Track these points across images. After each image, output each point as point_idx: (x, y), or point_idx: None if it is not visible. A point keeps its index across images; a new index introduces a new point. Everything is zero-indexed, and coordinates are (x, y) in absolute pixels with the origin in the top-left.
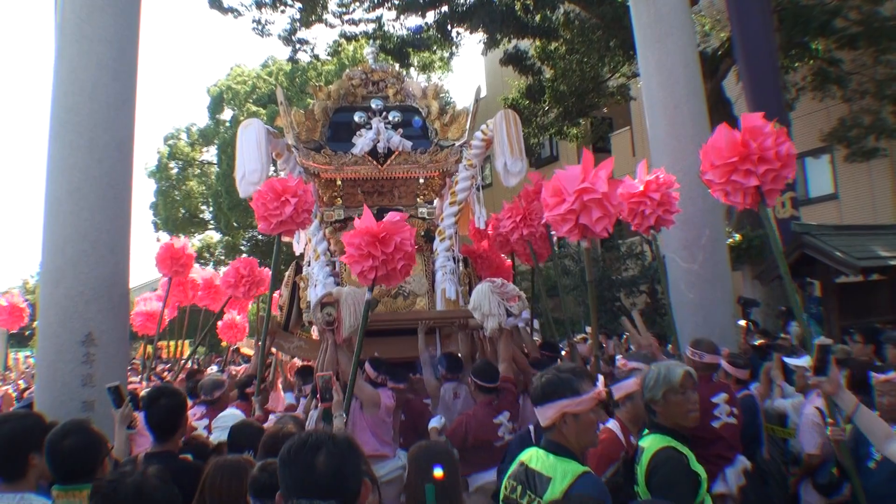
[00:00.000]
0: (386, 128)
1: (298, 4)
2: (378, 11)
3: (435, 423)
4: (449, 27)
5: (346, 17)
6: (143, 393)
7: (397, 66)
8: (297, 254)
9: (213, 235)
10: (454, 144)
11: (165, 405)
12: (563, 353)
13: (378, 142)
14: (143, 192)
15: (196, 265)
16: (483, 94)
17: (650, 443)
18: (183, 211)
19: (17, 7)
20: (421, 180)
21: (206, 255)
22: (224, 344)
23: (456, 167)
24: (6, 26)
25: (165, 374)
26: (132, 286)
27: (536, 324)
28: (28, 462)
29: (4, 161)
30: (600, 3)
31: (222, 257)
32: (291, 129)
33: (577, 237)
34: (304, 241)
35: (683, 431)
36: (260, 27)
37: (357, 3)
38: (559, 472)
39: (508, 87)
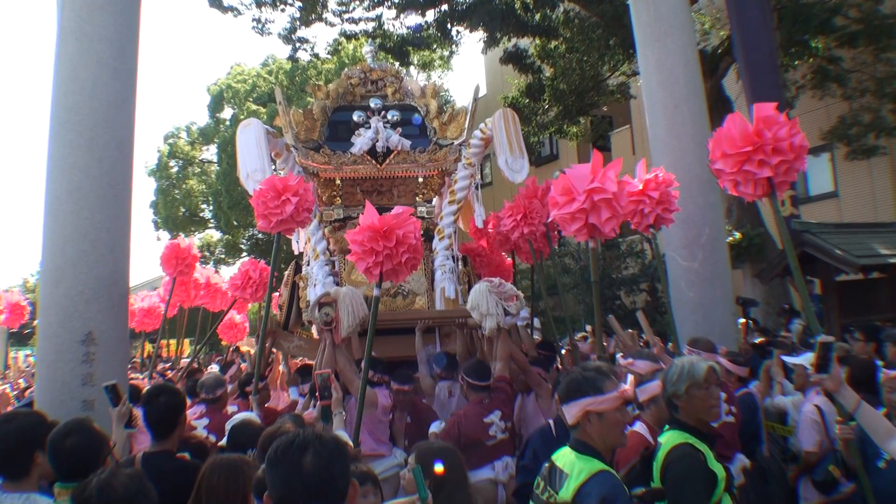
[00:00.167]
0: (385, 127)
1: (298, 3)
2: (378, 10)
3: (434, 428)
4: (449, 26)
5: (345, 16)
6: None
7: (397, 64)
8: (296, 253)
9: (214, 234)
10: (453, 143)
11: (164, 403)
12: (564, 351)
13: (377, 141)
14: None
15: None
16: (483, 92)
17: (668, 439)
18: (183, 210)
19: (17, 6)
20: (420, 179)
21: (207, 253)
22: (224, 343)
23: (455, 166)
24: (6, 26)
25: (168, 372)
26: (132, 285)
27: (537, 322)
28: (33, 461)
29: (5, 160)
30: (600, 1)
31: (223, 256)
32: (290, 128)
33: (585, 237)
34: (304, 241)
35: (704, 428)
36: (260, 26)
37: (357, 2)
38: (576, 469)
39: (508, 85)
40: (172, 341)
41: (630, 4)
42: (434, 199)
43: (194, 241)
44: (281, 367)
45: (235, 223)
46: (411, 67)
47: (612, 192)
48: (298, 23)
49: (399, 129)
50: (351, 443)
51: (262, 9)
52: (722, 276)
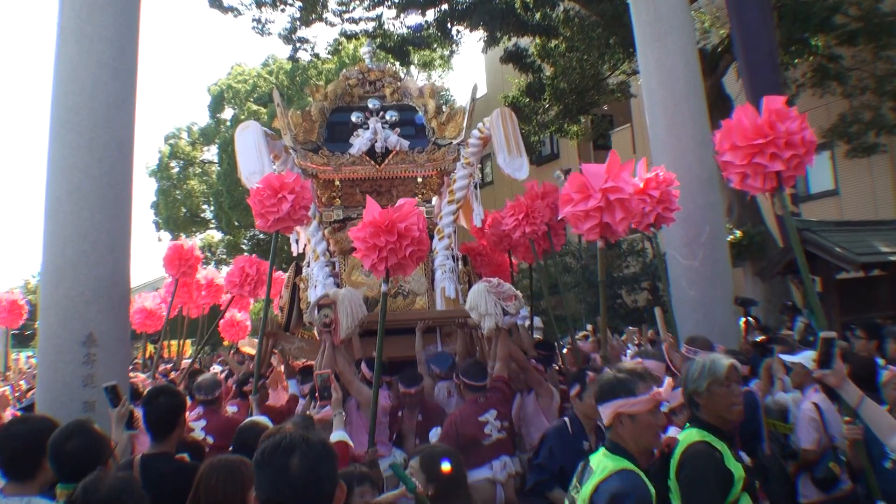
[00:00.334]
0: (383, 127)
1: (298, 3)
2: (378, 10)
3: (432, 435)
4: (449, 25)
5: (346, 16)
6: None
7: (398, 64)
8: (296, 255)
9: (215, 234)
10: (451, 143)
11: (164, 403)
12: (565, 350)
13: (375, 142)
14: (145, 191)
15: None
16: (484, 91)
17: (686, 437)
18: (184, 210)
19: (17, 7)
20: (419, 179)
21: (208, 254)
22: (226, 343)
23: (454, 166)
24: (6, 26)
25: (172, 373)
26: (133, 286)
27: (538, 321)
28: (40, 465)
29: (7, 161)
30: (600, 0)
31: (224, 256)
32: (289, 130)
33: (597, 236)
34: (303, 242)
35: (724, 427)
36: (260, 26)
37: (357, 2)
38: (601, 467)
39: (509, 84)
40: (174, 342)
41: (630, 3)
42: (433, 199)
43: (196, 241)
44: (277, 365)
45: (236, 224)
46: (412, 67)
47: (628, 193)
48: (298, 23)
49: (397, 130)
50: (351, 443)
51: (263, 9)
52: (722, 275)
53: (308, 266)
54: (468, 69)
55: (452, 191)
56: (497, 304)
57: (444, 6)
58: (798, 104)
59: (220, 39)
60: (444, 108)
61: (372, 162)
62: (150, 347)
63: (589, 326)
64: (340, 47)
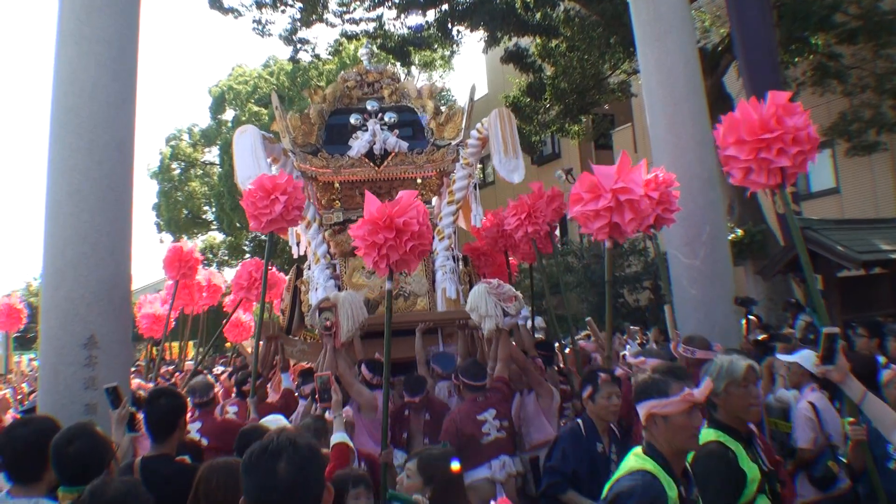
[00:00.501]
0: (382, 129)
1: (299, 4)
2: (378, 10)
3: None
4: (449, 25)
5: (346, 17)
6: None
7: (398, 64)
8: (296, 257)
9: (216, 236)
10: (450, 144)
11: (165, 405)
12: (567, 350)
13: (374, 143)
14: (146, 193)
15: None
16: (485, 91)
17: (702, 436)
18: (185, 212)
19: (17, 8)
20: (418, 180)
21: (210, 255)
22: (229, 344)
23: (453, 166)
24: (6, 27)
25: (177, 375)
26: (135, 288)
27: (540, 321)
28: (45, 467)
29: (8, 163)
30: (600, 0)
31: (226, 258)
32: (287, 133)
33: (605, 236)
34: (304, 245)
35: (741, 427)
36: (260, 27)
37: (357, 2)
38: (624, 466)
39: (510, 84)
40: (175, 344)
41: (630, 3)
42: (433, 200)
43: (197, 243)
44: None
45: (238, 225)
46: (412, 68)
47: (638, 194)
48: (299, 24)
49: (396, 131)
50: (352, 444)
51: (263, 10)
52: (723, 274)
53: (309, 269)
54: (469, 69)
55: (452, 191)
56: (497, 305)
57: (445, 6)
58: (798, 103)
59: (221, 41)
60: (442, 108)
61: (371, 164)
62: (153, 349)
63: (588, 319)
64: (341, 48)
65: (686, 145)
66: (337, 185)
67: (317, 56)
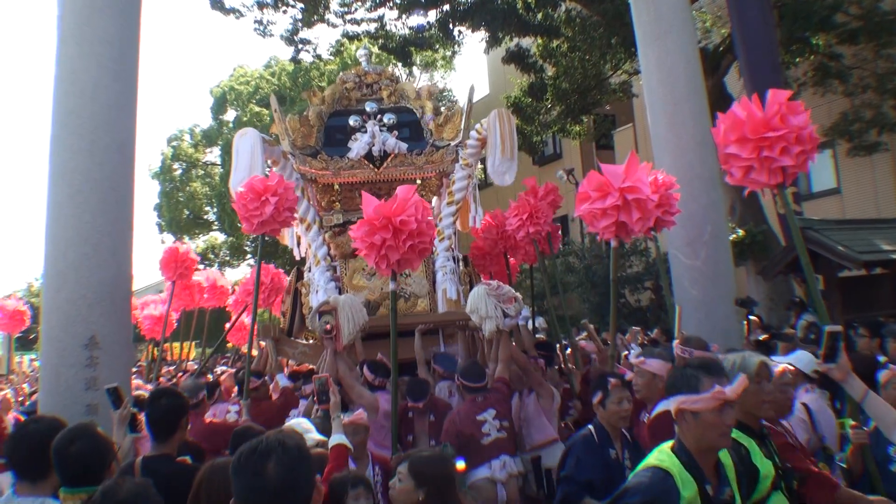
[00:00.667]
0: (381, 130)
1: (300, 4)
2: (380, 11)
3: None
4: (451, 26)
5: (347, 17)
6: None
7: (400, 65)
8: (297, 258)
9: (218, 236)
10: (450, 144)
11: (166, 405)
12: (568, 351)
13: (373, 145)
14: (148, 193)
15: (200, 266)
16: (486, 92)
17: None
18: (187, 212)
19: (17, 9)
20: (418, 181)
21: (211, 255)
22: (231, 346)
23: (452, 167)
24: (7, 28)
25: (180, 375)
26: (137, 288)
27: (541, 321)
28: (52, 466)
29: (9, 165)
30: (601, 0)
31: (227, 258)
32: (286, 135)
33: (612, 235)
34: (304, 247)
35: (753, 423)
36: (262, 28)
37: (359, 3)
38: (644, 461)
39: (511, 85)
40: (176, 344)
41: (631, 3)
42: (433, 201)
43: (195, 244)
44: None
45: (240, 225)
46: (414, 68)
47: (645, 194)
48: (300, 24)
49: (395, 133)
50: (350, 446)
51: (264, 10)
52: (725, 274)
53: (309, 271)
54: (470, 70)
55: (451, 192)
56: (497, 306)
57: (446, 7)
58: (800, 101)
59: (222, 41)
60: (441, 109)
61: (370, 165)
62: (154, 350)
63: (590, 326)
64: (343, 48)
65: (687, 145)
66: (336, 186)
67: (318, 56)
